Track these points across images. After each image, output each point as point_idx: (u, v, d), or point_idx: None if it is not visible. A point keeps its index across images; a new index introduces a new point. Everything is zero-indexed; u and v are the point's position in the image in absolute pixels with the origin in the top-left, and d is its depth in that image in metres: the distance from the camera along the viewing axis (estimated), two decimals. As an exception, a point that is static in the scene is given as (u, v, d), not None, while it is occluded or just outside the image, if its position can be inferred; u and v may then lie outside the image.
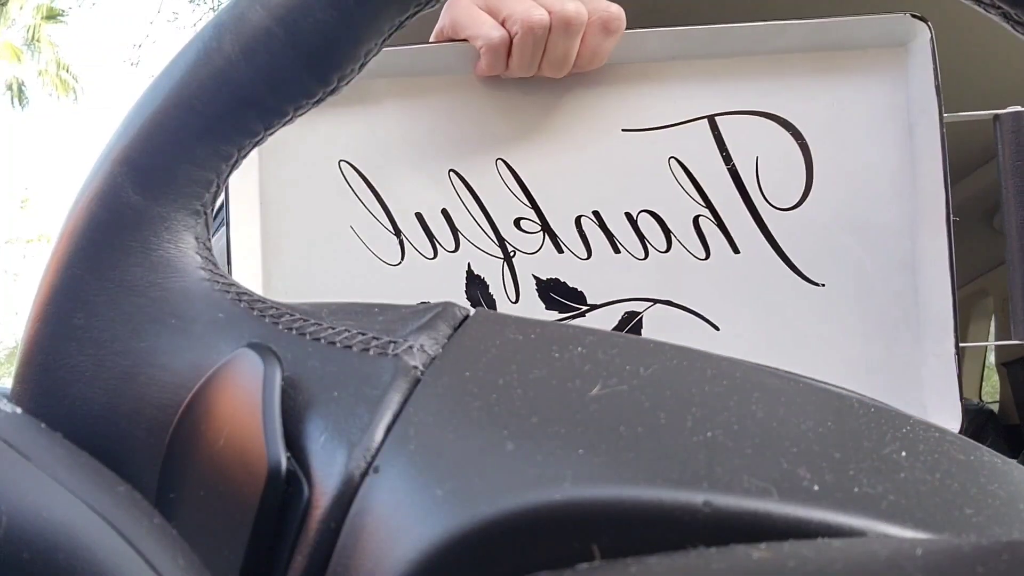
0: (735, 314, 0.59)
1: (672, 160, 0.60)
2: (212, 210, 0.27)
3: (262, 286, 0.61)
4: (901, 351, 0.58)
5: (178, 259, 0.25)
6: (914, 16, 0.57)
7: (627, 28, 0.58)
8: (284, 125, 0.27)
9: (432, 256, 0.60)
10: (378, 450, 0.20)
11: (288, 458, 0.20)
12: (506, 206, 0.60)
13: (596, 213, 0.60)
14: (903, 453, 0.19)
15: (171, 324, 0.24)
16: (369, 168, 0.61)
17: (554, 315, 0.60)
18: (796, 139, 0.59)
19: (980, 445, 0.22)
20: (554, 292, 0.60)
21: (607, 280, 0.60)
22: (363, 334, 0.23)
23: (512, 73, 0.59)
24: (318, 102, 0.27)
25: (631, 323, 0.60)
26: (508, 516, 0.17)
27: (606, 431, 0.19)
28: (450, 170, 0.61)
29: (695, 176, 0.59)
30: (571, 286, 0.60)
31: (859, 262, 0.59)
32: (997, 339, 2.02)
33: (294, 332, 0.24)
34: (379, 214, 0.61)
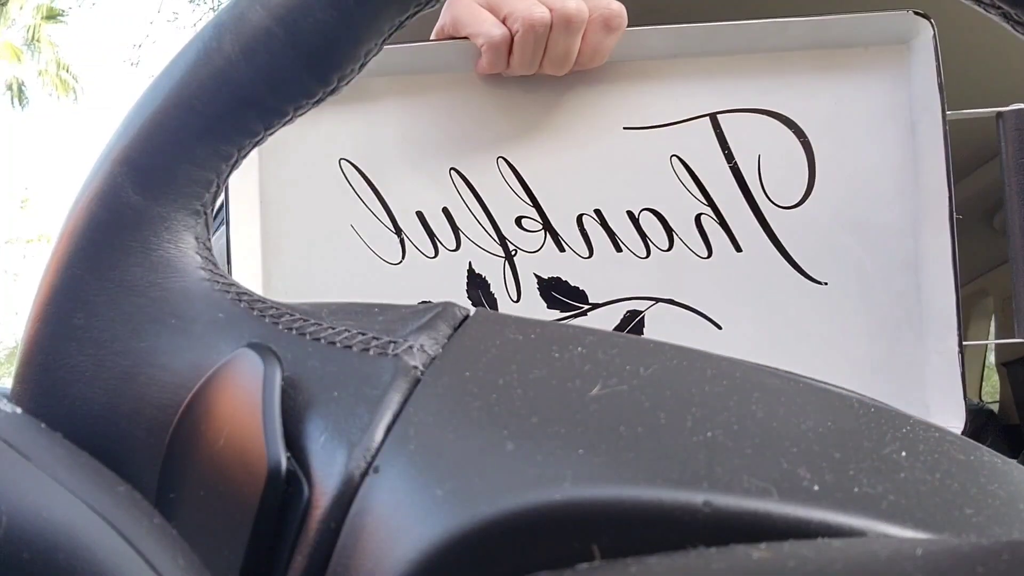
0: (737, 313, 0.59)
1: (674, 158, 0.60)
2: (212, 210, 0.27)
3: (262, 285, 0.61)
4: (904, 350, 0.58)
5: (178, 259, 0.25)
6: (917, 13, 0.57)
7: (629, 26, 0.58)
8: (284, 125, 0.27)
9: (433, 255, 0.60)
10: (378, 450, 0.20)
11: (288, 458, 0.20)
12: (507, 205, 0.60)
13: (598, 211, 0.60)
14: (903, 453, 0.19)
15: (171, 324, 0.24)
16: (370, 167, 0.61)
17: (556, 314, 0.60)
18: (798, 137, 0.59)
19: (980, 445, 0.22)
20: (556, 291, 0.60)
21: (609, 279, 0.60)
22: (363, 334, 0.23)
23: (513, 71, 0.59)
24: (318, 102, 0.27)
25: (633, 322, 0.59)
26: (508, 516, 0.17)
27: (606, 431, 0.19)
28: (451, 168, 0.60)
29: (697, 174, 0.59)
30: (573, 285, 0.60)
31: (862, 260, 0.58)
32: (997, 339, 2.02)
33: (294, 332, 0.24)
34: (380, 213, 0.61)
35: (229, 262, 0.59)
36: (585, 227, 0.60)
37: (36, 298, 0.25)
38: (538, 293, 0.60)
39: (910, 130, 0.58)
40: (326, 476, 0.20)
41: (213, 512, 0.21)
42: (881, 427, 0.21)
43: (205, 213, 0.26)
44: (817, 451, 0.19)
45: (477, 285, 0.60)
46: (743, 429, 0.19)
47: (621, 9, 0.57)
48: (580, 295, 0.60)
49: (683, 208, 0.59)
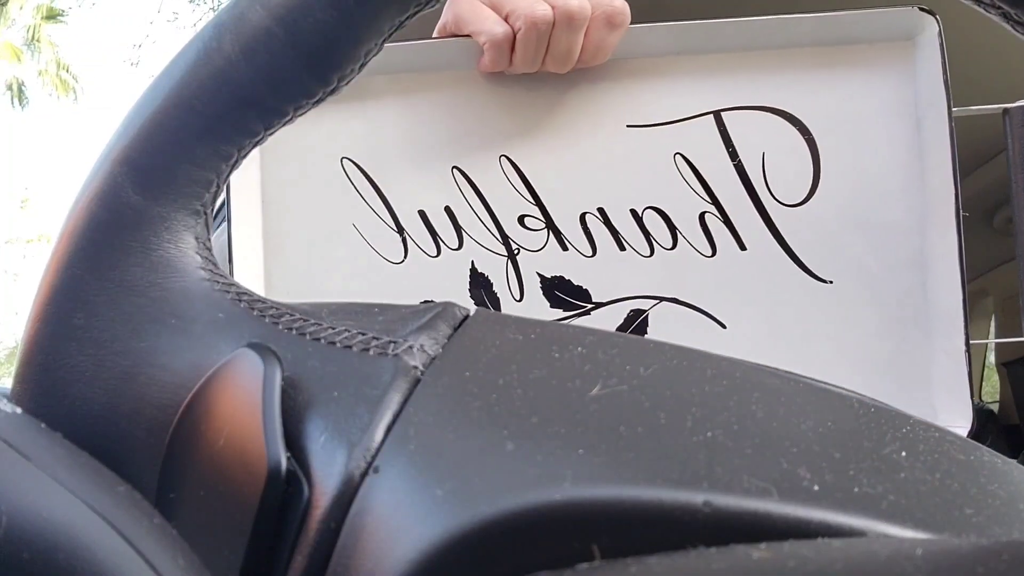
0: (742, 312, 0.59)
1: (677, 156, 0.59)
2: (212, 210, 0.27)
3: (264, 284, 0.61)
4: (910, 348, 0.57)
5: (178, 259, 0.25)
6: (922, 9, 0.57)
7: (632, 23, 0.58)
8: (284, 125, 0.27)
9: (435, 254, 0.60)
10: (378, 450, 0.20)
11: (288, 458, 0.20)
12: (510, 203, 0.60)
13: (601, 210, 0.60)
14: (903, 453, 0.19)
15: (171, 324, 0.24)
16: (372, 165, 0.61)
17: (559, 313, 0.60)
18: (803, 134, 0.59)
19: (980, 445, 0.22)
20: (559, 290, 0.60)
21: (612, 278, 0.59)
22: (363, 334, 0.23)
23: (516, 69, 0.59)
24: (318, 102, 0.27)
25: (637, 321, 0.59)
26: (508, 516, 0.17)
27: (606, 431, 0.19)
28: (453, 167, 0.60)
29: (701, 172, 0.59)
30: (576, 284, 0.60)
31: (867, 259, 0.58)
32: (997, 339, 2.02)
33: (294, 332, 0.24)
34: (382, 212, 0.61)
35: (231, 261, 0.59)
36: (588, 226, 0.60)
37: (36, 298, 0.25)
38: (541, 292, 0.60)
39: (915, 127, 0.58)
40: (326, 476, 0.20)
41: (213, 512, 0.21)
42: (881, 427, 0.20)
43: (205, 213, 0.26)
44: (817, 451, 0.18)
45: (480, 284, 0.60)
46: (743, 429, 0.19)
47: (624, 6, 0.57)
48: (583, 294, 0.60)
49: (687, 206, 0.59)
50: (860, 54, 0.59)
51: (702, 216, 0.59)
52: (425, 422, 0.20)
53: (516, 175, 0.60)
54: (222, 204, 0.63)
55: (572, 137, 0.60)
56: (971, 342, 0.55)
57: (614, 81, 0.60)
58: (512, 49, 0.57)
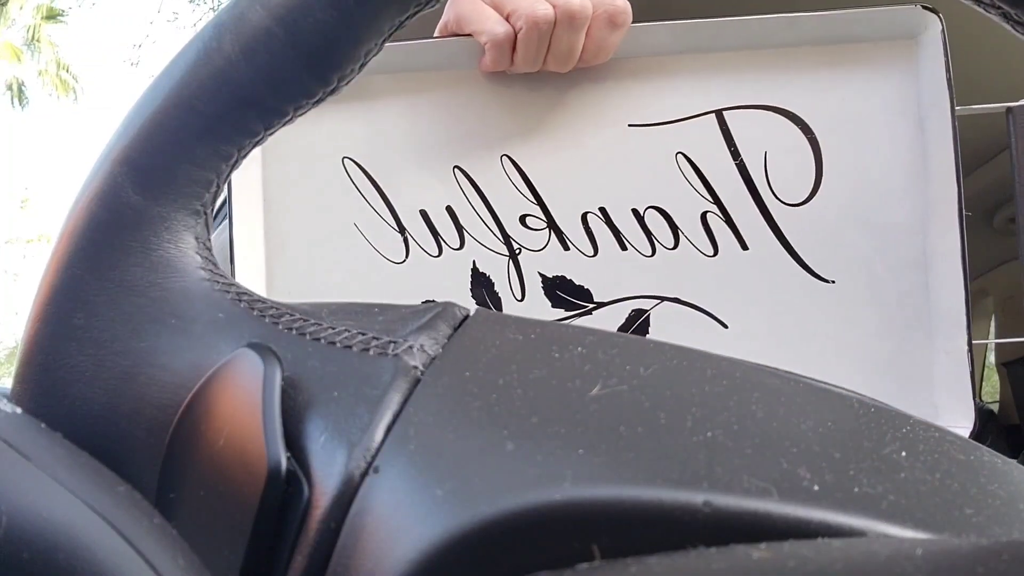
0: (743, 312, 0.59)
1: (679, 156, 0.59)
2: (212, 210, 0.27)
3: (265, 284, 0.61)
4: (912, 348, 0.57)
5: (178, 259, 0.25)
6: (925, 8, 0.57)
7: (633, 22, 0.58)
8: (284, 125, 0.27)
9: (437, 254, 0.60)
10: (378, 450, 0.20)
11: (288, 458, 0.20)
12: (511, 203, 0.60)
13: (603, 210, 0.59)
14: (903, 453, 0.19)
15: (171, 324, 0.24)
16: (373, 165, 0.61)
17: (560, 313, 0.60)
18: (805, 134, 0.59)
19: (980, 445, 0.21)
20: (560, 290, 0.60)
21: (614, 277, 0.59)
22: (363, 334, 0.23)
23: (517, 68, 0.59)
24: (318, 102, 0.27)
25: (638, 321, 0.59)
26: (508, 516, 0.17)
27: (606, 431, 0.19)
28: (455, 167, 0.60)
29: (703, 172, 0.59)
30: (577, 284, 0.60)
31: (869, 258, 0.58)
32: (997, 339, 2.02)
33: (294, 332, 0.24)
34: (383, 211, 0.61)
35: (232, 261, 0.59)
36: (590, 225, 0.60)
37: (36, 298, 0.25)
38: (542, 292, 0.60)
39: (918, 126, 0.58)
40: (326, 476, 0.20)
41: (213, 512, 0.21)
42: (881, 427, 0.20)
43: (205, 213, 0.26)
44: (817, 451, 0.18)
45: (481, 284, 0.60)
46: (743, 429, 0.19)
47: (626, 5, 0.57)
48: (585, 294, 0.60)
49: (689, 206, 0.59)
50: (863, 53, 0.59)
51: (704, 216, 0.59)
52: (425, 422, 0.20)
53: (518, 175, 0.60)
54: (223, 203, 0.63)
55: (574, 137, 0.60)
56: (974, 342, 0.55)
57: (616, 80, 0.60)
58: (513, 49, 0.57)
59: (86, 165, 0.27)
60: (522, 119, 0.61)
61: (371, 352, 0.23)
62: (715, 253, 0.59)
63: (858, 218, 0.58)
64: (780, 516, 0.16)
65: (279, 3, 0.25)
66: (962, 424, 0.54)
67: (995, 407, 2.06)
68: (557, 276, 0.60)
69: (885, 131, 0.58)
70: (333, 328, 0.24)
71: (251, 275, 0.60)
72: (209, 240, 0.27)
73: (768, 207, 0.58)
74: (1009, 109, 0.57)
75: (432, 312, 0.24)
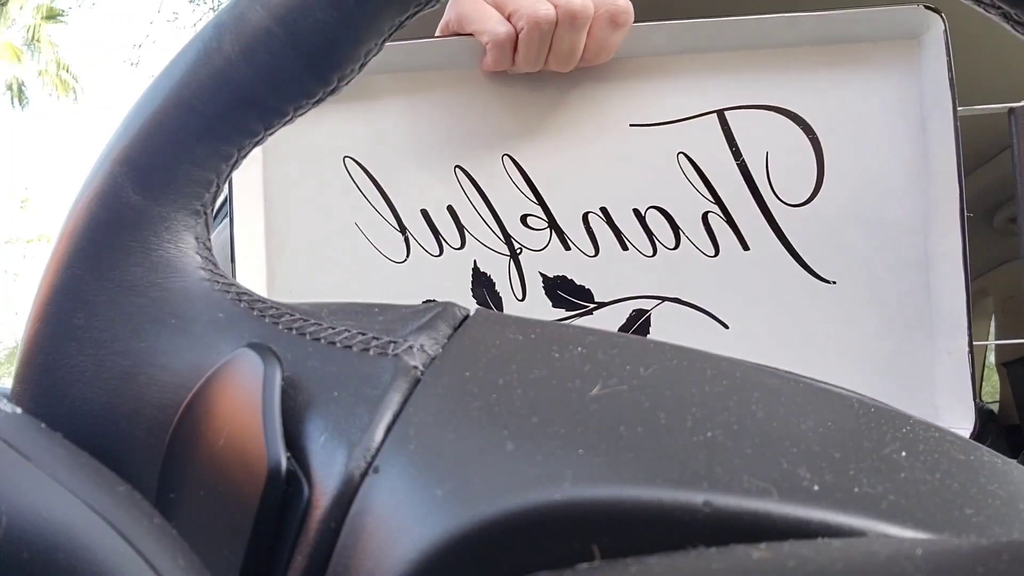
0: (744, 312, 0.59)
1: (681, 156, 0.59)
2: (212, 210, 0.27)
3: (266, 283, 0.61)
4: (913, 349, 0.57)
5: (178, 259, 0.25)
6: (927, 7, 0.57)
7: (635, 21, 0.57)
8: (284, 125, 0.27)
9: (438, 253, 0.60)
10: (378, 450, 0.20)
11: (288, 458, 0.20)
12: (513, 203, 0.60)
13: (604, 210, 0.59)
14: (903, 453, 0.19)
15: (171, 324, 0.24)
16: (374, 164, 0.61)
17: (561, 313, 0.60)
18: (807, 134, 0.59)
19: (980, 445, 0.21)
20: (561, 290, 0.60)
21: (615, 277, 0.59)
22: (363, 334, 0.23)
23: (518, 68, 0.59)
24: (318, 102, 0.27)
25: (639, 321, 0.59)
26: (508, 516, 0.17)
27: (606, 431, 0.19)
28: (456, 166, 0.60)
29: (704, 172, 0.59)
30: (578, 284, 0.60)
31: (870, 259, 0.58)
32: (997, 339, 2.02)
33: (294, 332, 0.24)
34: (384, 211, 0.61)
35: (233, 260, 0.59)
36: (591, 225, 0.60)
37: (36, 298, 0.25)
38: (543, 292, 0.60)
39: (920, 126, 0.58)
40: (326, 476, 0.20)
41: (213, 512, 0.21)
42: (881, 427, 0.20)
43: (205, 213, 0.26)
44: (817, 451, 0.18)
45: (482, 284, 0.60)
46: (743, 429, 0.19)
47: (627, 5, 0.57)
48: (586, 294, 0.60)
49: (690, 206, 0.59)
50: (865, 53, 0.59)
51: (705, 216, 0.59)
52: (425, 422, 0.20)
53: (519, 174, 0.60)
54: (224, 202, 0.63)
55: (575, 136, 0.60)
56: (976, 343, 0.55)
57: (617, 80, 0.60)
58: (515, 48, 0.57)
59: (86, 165, 0.27)
60: (523, 119, 0.61)
61: (371, 352, 0.23)
62: (716, 253, 0.59)
63: (859, 218, 0.58)
64: (780, 516, 0.16)
65: (279, 3, 0.25)
66: (963, 425, 0.54)
67: (995, 407, 2.05)
68: (558, 276, 0.60)
69: (887, 131, 0.58)
70: (333, 328, 0.24)
71: (252, 274, 0.60)
72: (209, 240, 0.27)
73: (769, 207, 0.58)
74: (1011, 110, 0.57)
75: (432, 312, 0.24)
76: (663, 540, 0.16)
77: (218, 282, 0.25)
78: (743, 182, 0.59)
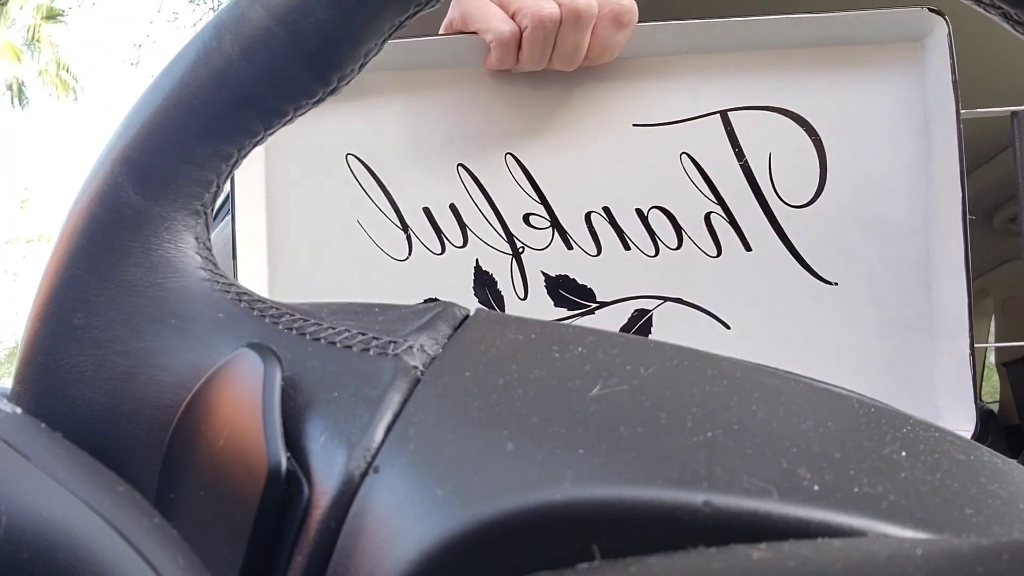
0: (746, 312, 0.59)
1: (684, 156, 0.59)
2: (212, 210, 0.27)
3: (268, 281, 0.61)
4: (914, 349, 0.57)
5: (178, 259, 0.25)
6: (931, 10, 0.56)
7: (639, 21, 0.57)
8: (284, 125, 0.27)
9: (440, 252, 0.60)
10: (378, 450, 0.20)
11: (288, 458, 0.20)
12: (515, 201, 0.60)
13: (606, 209, 0.59)
14: (903, 453, 0.19)
15: (171, 324, 0.24)
16: (376, 162, 0.61)
17: (563, 312, 0.60)
18: (810, 135, 0.58)
19: (980, 445, 0.21)
20: (563, 289, 0.60)
21: (617, 277, 0.59)
22: (363, 334, 0.23)
23: (522, 67, 0.59)
24: (318, 102, 0.27)
25: (641, 321, 0.59)
26: (508, 516, 0.17)
27: (606, 431, 0.19)
28: (458, 165, 0.60)
29: (707, 172, 0.59)
30: (580, 283, 0.60)
31: (872, 260, 0.58)
32: (997, 339, 2.02)
33: (294, 332, 0.24)
34: (386, 209, 0.61)
35: (235, 259, 0.59)
36: (593, 225, 0.59)
37: (36, 298, 0.25)
38: (545, 291, 0.60)
39: (923, 129, 0.58)
40: (326, 476, 0.20)
41: (213, 512, 0.21)
42: (881, 427, 0.20)
43: (205, 213, 0.27)
44: (817, 451, 0.18)
45: (484, 282, 0.60)
46: (743, 429, 0.19)
47: (631, 5, 0.57)
48: (588, 293, 0.60)
49: (693, 206, 0.59)
50: (868, 55, 0.59)
51: (707, 216, 0.59)
52: (425, 422, 0.20)
53: (521, 173, 0.60)
54: (225, 200, 0.63)
55: (578, 136, 0.60)
56: (977, 344, 0.55)
57: (621, 80, 0.60)
58: (519, 47, 0.57)
59: (86, 165, 0.27)
60: (527, 118, 0.61)
61: (371, 352, 0.23)
62: (718, 254, 0.59)
63: (861, 220, 0.58)
64: (780, 516, 0.16)
65: (279, 3, 0.25)
66: (963, 426, 0.54)
67: (995, 407, 2.05)
68: (560, 275, 0.60)
69: (889, 133, 0.58)
70: (333, 328, 0.24)
71: (254, 273, 0.60)
72: (209, 240, 0.27)
73: (772, 208, 0.58)
74: (1014, 113, 0.57)
75: (432, 312, 0.24)
76: (663, 540, 0.16)
77: (218, 282, 0.25)
78: (746, 183, 0.59)
